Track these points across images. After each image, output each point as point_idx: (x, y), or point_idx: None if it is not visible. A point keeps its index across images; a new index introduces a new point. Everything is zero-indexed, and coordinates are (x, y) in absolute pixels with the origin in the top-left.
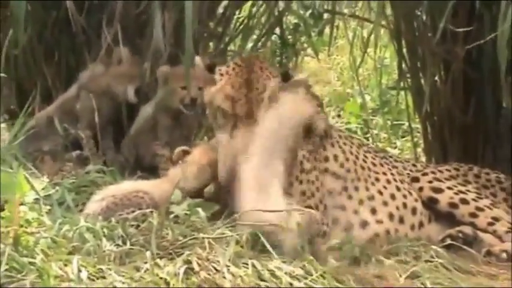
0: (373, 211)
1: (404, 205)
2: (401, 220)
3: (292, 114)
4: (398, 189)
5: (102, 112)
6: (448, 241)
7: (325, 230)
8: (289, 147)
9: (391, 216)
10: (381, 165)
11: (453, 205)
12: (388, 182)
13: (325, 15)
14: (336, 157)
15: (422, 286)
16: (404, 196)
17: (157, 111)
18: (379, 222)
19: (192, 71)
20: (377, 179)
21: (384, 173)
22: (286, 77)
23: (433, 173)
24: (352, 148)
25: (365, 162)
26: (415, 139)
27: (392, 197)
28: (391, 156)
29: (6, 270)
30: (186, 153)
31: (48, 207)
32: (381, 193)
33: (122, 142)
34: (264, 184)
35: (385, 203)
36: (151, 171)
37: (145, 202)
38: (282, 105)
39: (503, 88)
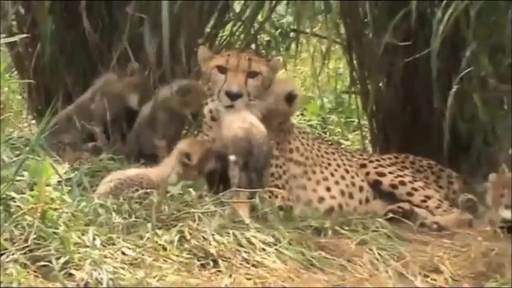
0: (328, 189)
1: (353, 184)
2: (350, 196)
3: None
4: (347, 171)
5: (112, 111)
6: (390, 215)
7: (290, 204)
8: None
9: (342, 192)
10: (332, 153)
11: (394, 186)
12: (338, 166)
13: (292, 34)
14: (297, 148)
15: (369, 251)
16: (352, 177)
17: (158, 111)
18: (333, 197)
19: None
20: (329, 164)
21: (335, 159)
22: (290, 98)
23: (377, 160)
24: (308, 141)
25: (319, 151)
26: (363, 133)
27: (342, 177)
28: (342, 147)
29: (34, 238)
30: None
31: (69, 188)
32: (333, 175)
33: (127, 136)
34: None
35: (337, 182)
36: (151, 159)
37: (144, 182)
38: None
39: (434, 92)
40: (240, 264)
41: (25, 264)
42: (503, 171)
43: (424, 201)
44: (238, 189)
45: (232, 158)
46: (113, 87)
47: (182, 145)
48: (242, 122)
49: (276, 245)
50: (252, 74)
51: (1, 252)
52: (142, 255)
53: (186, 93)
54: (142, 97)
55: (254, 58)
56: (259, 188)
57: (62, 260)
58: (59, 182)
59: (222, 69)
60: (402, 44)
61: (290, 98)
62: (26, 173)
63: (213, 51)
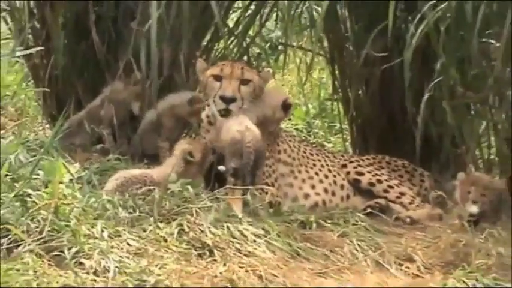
0: (313, 187)
1: (335, 182)
2: (333, 193)
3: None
4: (329, 171)
5: (119, 117)
6: (368, 210)
7: (279, 200)
8: None
9: (325, 190)
10: (317, 154)
11: (371, 184)
12: (322, 166)
13: (280, 47)
14: (285, 150)
15: (350, 242)
16: (335, 176)
17: (163, 117)
18: (317, 194)
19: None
20: (314, 164)
21: (319, 160)
22: (285, 106)
23: (357, 161)
24: (295, 143)
25: (304, 153)
26: (344, 136)
27: (326, 176)
28: (325, 149)
29: (48, 231)
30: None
31: (79, 186)
32: (317, 174)
33: (132, 138)
34: None
35: (321, 181)
36: (154, 159)
37: (147, 180)
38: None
39: (408, 99)
40: (234, 254)
41: (40, 254)
42: (470, 171)
43: (398, 197)
44: (232, 186)
45: (221, 168)
46: (119, 94)
47: (184, 144)
48: (239, 126)
49: (265, 236)
50: (244, 82)
51: (18, 243)
52: (146, 246)
53: (193, 103)
54: (143, 104)
55: (246, 67)
56: (252, 186)
57: (73, 250)
58: (70, 180)
59: (217, 78)
60: (380, 54)
61: (285, 106)
62: (41, 172)
63: (209, 63)
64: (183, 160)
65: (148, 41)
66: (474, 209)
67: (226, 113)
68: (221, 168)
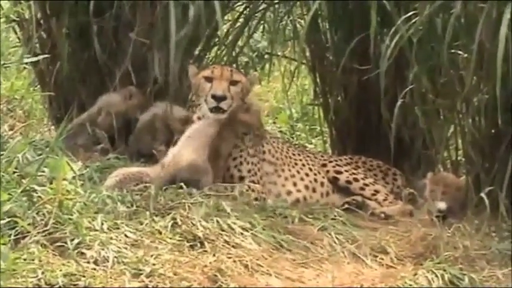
0: (295, 184)
1: (315, 180)
2: (313, 190)
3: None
4: (310, 170)
5: (117, 125)
6: (346, 206)
7: (264, 197)
8: None
9: (306, 187)
10: (299, 154)
11: (349, 182)
12: (304, 165)
13: (266, 56)
14: (269, 151)
15: (329, 235)
16: (315, 174)
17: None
18: (299, 191)
19: None
20: (296, 164)
21: (300, 160)
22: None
23: (335, 161)
24: (279, 144)
25: (287, 153)
26: (324, 138)
27: (307, 174)
28: (307, 150)
29: (53, 223)
30: None
31: (81, 182)
32: (299, 172)
33: (129, 139)
34: None
35: (302, 179)
36: (149, 159)
37: (144, 177)
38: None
39: (383, 105)
40: (223, 245)
41: (45, 244)
42: (439, 171)
43: (373, 194)
44: (220, 184)
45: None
46: (118, 107)
47: None
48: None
49: (252, 229)
50: (233, 82)
51: (25, 235)
52: (142, 237)
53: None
54: (143, 111)
55: (235, 70)
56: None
57: (76, 241)
58: (73, 177)
59: (209, 79)
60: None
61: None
62: (46, 170)
63: (200, 69)
64: None
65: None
66: (442, 205)
67: (216, 111)
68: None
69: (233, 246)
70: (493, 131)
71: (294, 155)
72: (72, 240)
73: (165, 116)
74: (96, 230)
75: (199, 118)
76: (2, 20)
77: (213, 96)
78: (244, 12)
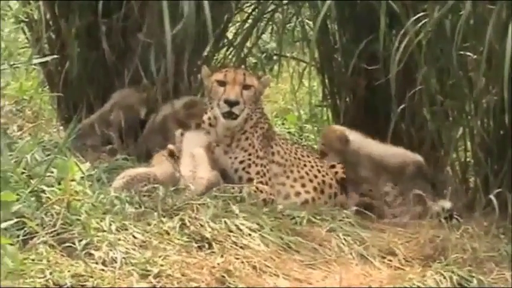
0: (303, 185)
1: (324, 182)
2: (322, 192)
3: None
4: (319, 171)
5: (127, 121)
6: (356, 208)
7: (272, 198)
8: None
9: (315, 189)
10: (307, 156)
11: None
12: (312, 166)
13: (274, 57)
14: (278, 152)
15: (337, 237)
16: (323, 176)
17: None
18: (307, 192)
19: None
20: (305, 165)
21: (309, 161)
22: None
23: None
24: (287, 146)
25: (296, 154)
26: None
27: (315, 176)
28: (315, 151)
29: (61, 224)
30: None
31: (90, 183)
32: (307, 174)
33: (138, 140)
34: None
35: (311, 180)
36: None
37: (152, 178)
38: None
39: (393, 105)
40: (230, 246)
41: (53, 245)
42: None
43: (382, 195)
44: (229, 185)
45: None
46: (128, 100)
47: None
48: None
49: (260, 231)
50: (246, 87)
51: (33, 235)
52: (150, 238)
53: (191, 107)
54: (149, 110)
55: (248, 73)
56: None
57: (84, 242)
58: (81, 177)
59: (221, 83)
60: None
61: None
62: (54, 170)
63: (212, 69)
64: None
65: (156, 50)
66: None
67: (229, 115)
68: None
69: (241, 247)
70: (501, 132)
71: (302, 156)
72: (81, 241)
73: (173, 113)
74: (104, 231)
75: (209, 119)
76: (11, 20)
77: (226, 101)
78: (253, 13)
